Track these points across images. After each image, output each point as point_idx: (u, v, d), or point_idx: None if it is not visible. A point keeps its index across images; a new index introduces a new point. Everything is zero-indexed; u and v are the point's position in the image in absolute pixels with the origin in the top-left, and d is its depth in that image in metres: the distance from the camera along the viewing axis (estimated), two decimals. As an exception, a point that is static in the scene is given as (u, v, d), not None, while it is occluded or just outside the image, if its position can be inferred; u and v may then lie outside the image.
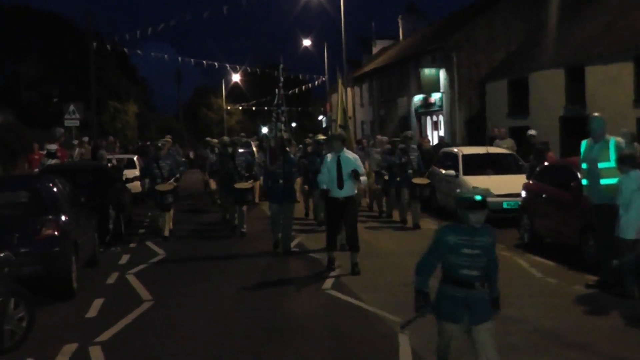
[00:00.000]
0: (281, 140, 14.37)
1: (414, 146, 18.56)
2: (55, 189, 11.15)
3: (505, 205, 17.20)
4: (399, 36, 54.25)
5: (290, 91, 64.71)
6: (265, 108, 79.12)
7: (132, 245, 15.67)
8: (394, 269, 12.35)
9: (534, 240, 14.22)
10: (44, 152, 20.41)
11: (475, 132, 31.55)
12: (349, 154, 12.37)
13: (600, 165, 10.19)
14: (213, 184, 21.86)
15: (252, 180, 16.80)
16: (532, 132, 19.32)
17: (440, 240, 5.78)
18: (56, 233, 10.24)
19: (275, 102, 15.56)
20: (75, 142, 25.61)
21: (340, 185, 11.94)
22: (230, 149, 16.54)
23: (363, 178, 12.45)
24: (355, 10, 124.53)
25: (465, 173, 18.35)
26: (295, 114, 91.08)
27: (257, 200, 21.04)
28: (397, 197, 17.88)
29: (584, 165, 10.60)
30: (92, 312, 9.76)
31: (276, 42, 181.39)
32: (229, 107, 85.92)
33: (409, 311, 8.99)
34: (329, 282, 11.28)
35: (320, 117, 60.52)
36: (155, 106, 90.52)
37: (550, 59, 26.58)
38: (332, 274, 11.89)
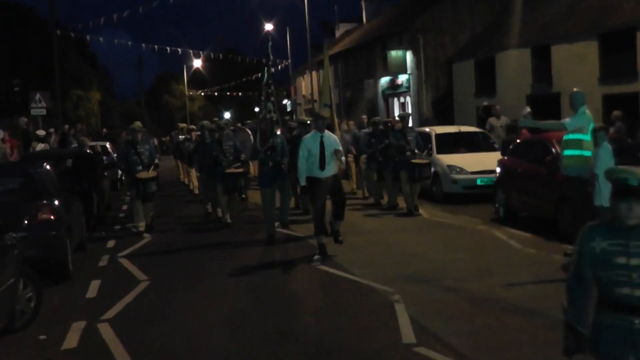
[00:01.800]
0: (271, 121, 14.00)
1: (411, 126, 18.03)
2: (47, 175, 11.35)
3: (479, 182, 17.74)
4: (362, 19, 54.55)
5: (253, 76, 64.90)
6: (227, 93, 79.31)
7: (116, 229, 15.89)
8: (378, 244, 12.75)
9: (509, 214, 14.70)
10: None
11: (443, 112, 32.09)
12: (330, 134, 12.39)
13: (583, 137, 10.62)
14: (194, 174, 21.80)
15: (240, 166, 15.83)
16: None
17: (583, 247, 4.10)
18: (52, 217, 10.46)
19: (265, 81, 14.89)
20: (52, 130, 25.75)
21: (323, 166, 11.76)
22: (216, 134, 15.85)
23: (344, 158, 12.59)
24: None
25: (439, 152, 18.79)
26: (257, 99, 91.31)
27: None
28: (393, 181, 17.03)
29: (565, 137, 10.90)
30: (92, 293, 10.00)
31: (238, 27, 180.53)
32: (191, 93, 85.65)
33: (399, 283, 9.50)
34: (317, 260, 11.57)
35: (284, 101, 60.51)
36: (117, 94, 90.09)
37: (516, 39, 27.13)
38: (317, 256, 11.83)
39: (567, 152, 10.83)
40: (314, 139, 11.99)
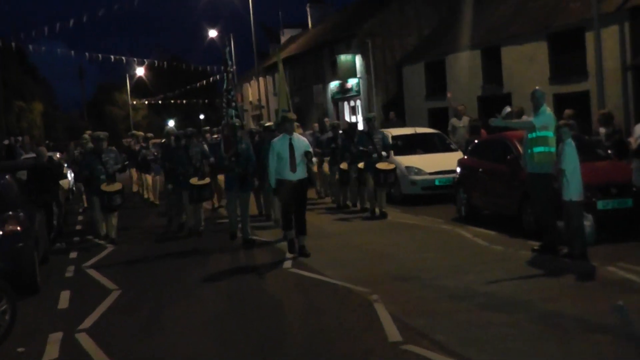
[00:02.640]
0: (233, 127, 13.91)
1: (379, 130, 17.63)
2: (10, 186, 11.13)
3: (437, 182, 17.90)
4: (307, 25, 54.71)
5: (198, 83, 64.52)
6: (172, 101, 78.68)
7: (75, 240, 15.66)
8: (346, 246, 12.78)
9: (471, 213, 14.89)
10: None
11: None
12: (298, 136, 12.51)
13: (548, 134, 10.81)
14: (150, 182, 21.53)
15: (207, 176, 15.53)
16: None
17: None
18: (19, 228, 10.23)
19: (225, 87, 14.80)
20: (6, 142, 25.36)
21: (294, 169, 11.89)
22: (183, 141, 15.45)
23: (315, 159, 12.63)
24: (259, 0, 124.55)
25: (396, 154, 18.89)
26: (201, 107, 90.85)
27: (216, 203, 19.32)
28: (357, 185, 17.04)
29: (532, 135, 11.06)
30: (63, 304, 9.83)
31: (181, 34, 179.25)
32: (134, 102, 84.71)
33: (375, 284, 9.54)
34: (288, 263, 11.58)
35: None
36: (59, 105, 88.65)
37: (466, 41, 27.47)
38: (288, 255, 12.05)
39: (533, 149, 10.99)
40: (282, 141, 12.11)
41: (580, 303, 8.17)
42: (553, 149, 10.81)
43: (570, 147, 10.30)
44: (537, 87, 11.65)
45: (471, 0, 30.22)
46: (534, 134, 10.90)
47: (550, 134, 10.83)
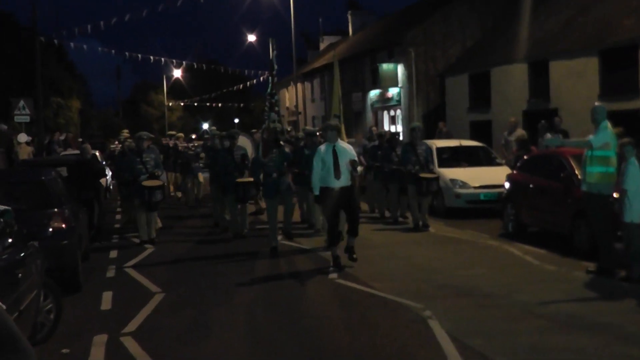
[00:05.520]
0: (274, 132, 13.74)
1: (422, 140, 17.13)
2: (57, 182, 10.99)
3: (482, 197, 17.55)
4: (346, 32, 54.56)
5: (235, 87, 64.66)
6: (207, 104, 78.95)
7: (114, 239, 15.54)
8: (392, 258, 12.49)
9: (519, 230, 14.52)
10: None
11: (433, 126, 31.91)
12: (343, 144, 12.24)
13: (608, 153, 10.44)
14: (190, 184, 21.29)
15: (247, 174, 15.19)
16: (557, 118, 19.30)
17: None
18: (64, 226, 10.11)
19: (269, 90, 14.76)
20: (62, 137, 25.42)
21: (338, 175, 11.65)
22: (227, 142, 15.42)
23: (360, 168, 12.37)
24: (299, 7, 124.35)
25: (441, 166, 18.58)
26: (236, 110, 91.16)
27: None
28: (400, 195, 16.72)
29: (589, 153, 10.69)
30: (106, 305, 9.66)
31: (219, 38, 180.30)
32: (170, 104, 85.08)
33: (426, 299, 9.23)
34: (333, 274, 11.27)
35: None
36: (94, 102, 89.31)
37: (513, 54, 27.02)
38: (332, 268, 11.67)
39: (590, 169, 10.61)
40: (327, 149, 11.93)
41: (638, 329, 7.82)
42: (612, 169, 10.43)
43: (634, 167, 9.92)
44: (597, 103, 11.30)
45: (520, 12, 29.80)
46: (591, 153, 10.53)
47: (610, 153, 10.46)
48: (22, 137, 24.21)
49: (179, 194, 23.45)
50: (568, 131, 18.41)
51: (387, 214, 17.62)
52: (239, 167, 15.12)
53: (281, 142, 13.85)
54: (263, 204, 18.38)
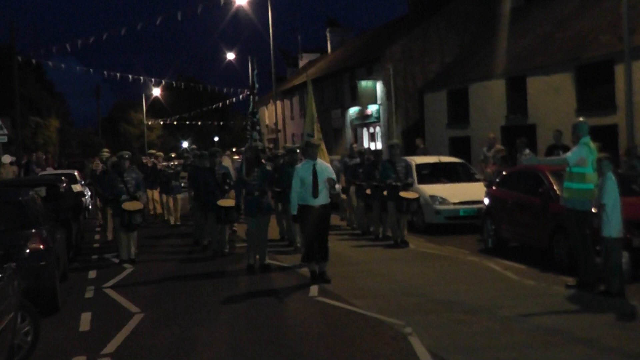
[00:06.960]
0: (256, 150, 13.74)
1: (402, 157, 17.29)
2: (35, 202, 10.91)
3: (461, 213, 17.61)
4: (325, 49, 54.78)
5: (214, 105, 64.64)
6: (187, 122, 78.84)
7: (93, 259, 15.43)
8: (372, 275, 12.47)
9: (498, 245, 14.56)
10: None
11: (413, 142, 32.02)
12: (322, 163, 12.36)
13: (585, 170, 10.51)
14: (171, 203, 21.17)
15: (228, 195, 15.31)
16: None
17: None
18: (41, 247, 10.01)
19: (250, 109, 14.76)
20: (43, 156, 25.30)
21: (316, 194, 11.79)
22: (207, 163, 15.45)
23: (338, 186, 12.43)
24: (278, 24, 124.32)
25: (420, 182, 18.63)
26: (215, 128, 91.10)
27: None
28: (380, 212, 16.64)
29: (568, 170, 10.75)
30: (85, 326, 9.55)
31: (198, 56, 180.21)
32: (149, 122, 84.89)
33: (407, 315, 9.22)
34: (314, 290, 11.28)
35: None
36: (73, 121, 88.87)
37: (490, 70, 27.21)
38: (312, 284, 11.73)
39: (569, 185, 10.71)
40: (306, 167, 12.01)
41: (627, 343, 7.83)
42: (591, 186, 10.49)
43: (611, 182, 9.99)
44: (581, 119, 11.34)
45: (498, 28, 30.04)
46: (569, 169, 10.63)
47: (587, 169, 10.52)
48: (6, 158, 24.07)
49: (159, 209, 23.12)
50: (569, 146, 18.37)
51: (372, 228, 17.55)
52: (220, 187, 15.14)
53: (262, 160, 13.85)
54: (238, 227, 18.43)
